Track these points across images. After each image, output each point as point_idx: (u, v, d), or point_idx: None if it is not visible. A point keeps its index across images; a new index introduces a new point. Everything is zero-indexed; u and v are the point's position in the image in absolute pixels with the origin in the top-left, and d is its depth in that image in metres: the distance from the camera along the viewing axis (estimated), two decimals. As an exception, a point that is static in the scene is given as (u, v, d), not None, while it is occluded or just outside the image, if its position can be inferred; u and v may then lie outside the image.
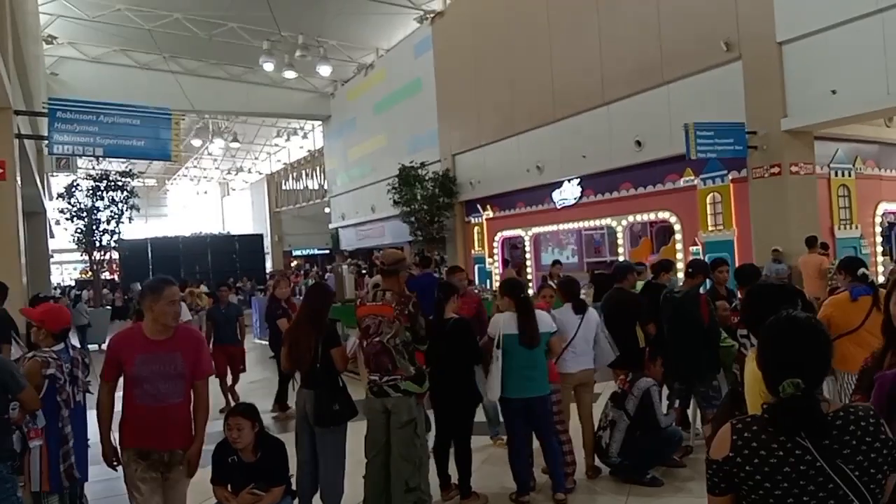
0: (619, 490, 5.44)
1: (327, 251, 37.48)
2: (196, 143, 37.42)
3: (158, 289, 3.72)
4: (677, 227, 14.43)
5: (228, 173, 48.70)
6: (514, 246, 20.60)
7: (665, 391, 6.24)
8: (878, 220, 13.56)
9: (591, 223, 17.15)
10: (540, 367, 5.17)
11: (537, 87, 17.51)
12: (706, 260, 9.24)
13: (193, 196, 53.26)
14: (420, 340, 4.77)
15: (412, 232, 21.86)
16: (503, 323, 5.21)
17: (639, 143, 14.60)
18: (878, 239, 13.53)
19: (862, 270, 5.17)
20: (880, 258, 13.22)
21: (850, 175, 13.01)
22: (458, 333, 5.24)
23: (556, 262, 13.14)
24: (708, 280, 6.97)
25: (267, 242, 40.75)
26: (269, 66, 23.41)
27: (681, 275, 9.13)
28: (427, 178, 21.28)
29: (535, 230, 19.09)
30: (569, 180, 17.12)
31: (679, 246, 14.26)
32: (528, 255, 19.37)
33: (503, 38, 18.80)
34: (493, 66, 19.17)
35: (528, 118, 17.85)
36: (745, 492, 1.95)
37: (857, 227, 12.91)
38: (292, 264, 37.25)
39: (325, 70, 24.21)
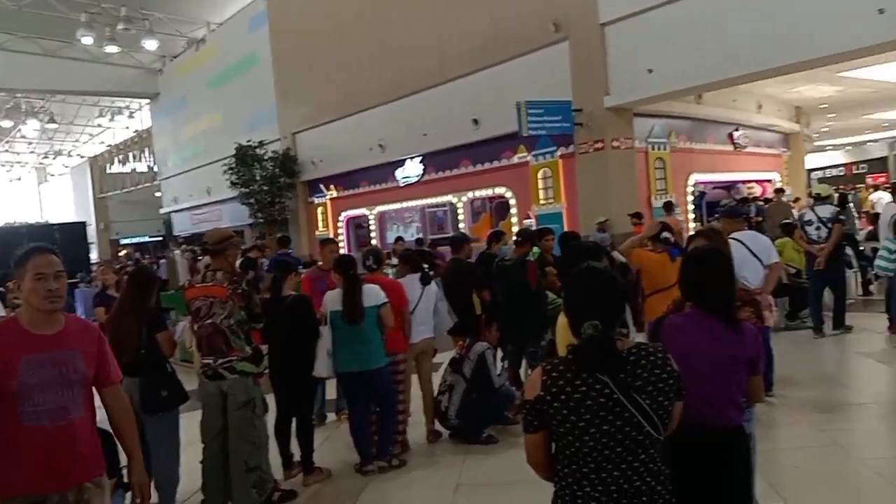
0: (458, 451, 5.65)
1: (160, 238, 35.50)
2: (6, 124, 33.94)
3: (23, 259, 2.73)
4: (512, 201, 15.05)
5: (46, 157, 44.57)
6: (359, 225, 20.54)
7: (501, 353, 6.53)
8: (689, 189, 14.86)
9: (434, 200, 17.47)
10: (368, 341, 5.23)
11: (378, 64, 17.48)
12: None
13: (6, 183, 48.34)
14: (256, 319, 4.66)
15: (252, 214, 21.16)
16: (331, 300, 5.28)
17: (476, 121, 14.99)
18: (690, 207, 14.83)
19: (664, 235, 5.68)
20: (692, 224, 14.49)
21: (665, 149, 14.11)
22: (298, 311, 5.20)
23: (399, 239, 13.28)
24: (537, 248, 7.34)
25: (91, 231, 37.85)
26: (87, 40, 21.72)
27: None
28: (266, 157, 20.65)
29: (380, 209, 19.15)
30: (411, 158, 17.29)
31: (514, 220, 14.87)
32: (373, 234, 19.40)
33: (342, 14, 18.55)
34: (333, 42, 18.87)
35: (370, 96, 17.75)
36: (555, 426, 2.14)
37: (671, 197, 14.04)
38: (120, 253, 34.92)
39: (151, 45, 22.84)
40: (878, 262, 8.22)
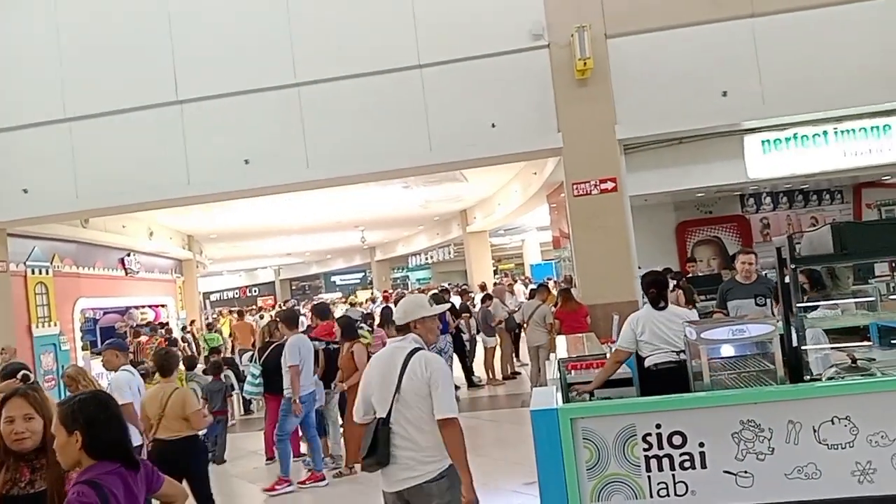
0: None
1: None
2: None
3: None
4: None
5: None
6: None
7: None
8: (77, 315, 14.04)
9: None
10: None
11: None
12: None
13: None
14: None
15: None
16: None
17: None
18: (79, 334, 13.99)
19: (24, 373, 5.08)
20: (80, 353, 13.65)
21: (48, 273, 13.09)
22: None
23: None
24: None
25: None
26: None
27: None
28: None
29: None
30: None
31: None
32: None
33: None
34: None
35: None
36: None
37: (56, 324, 13.01)
38: None
39: None
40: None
